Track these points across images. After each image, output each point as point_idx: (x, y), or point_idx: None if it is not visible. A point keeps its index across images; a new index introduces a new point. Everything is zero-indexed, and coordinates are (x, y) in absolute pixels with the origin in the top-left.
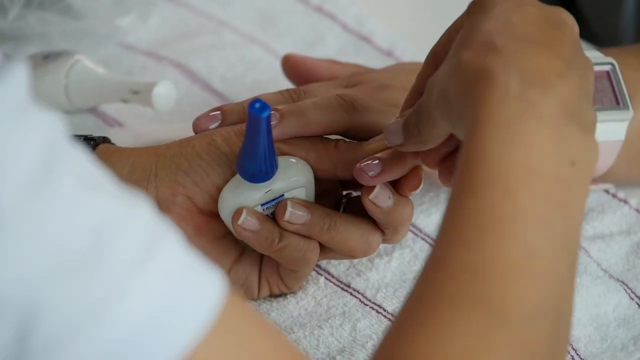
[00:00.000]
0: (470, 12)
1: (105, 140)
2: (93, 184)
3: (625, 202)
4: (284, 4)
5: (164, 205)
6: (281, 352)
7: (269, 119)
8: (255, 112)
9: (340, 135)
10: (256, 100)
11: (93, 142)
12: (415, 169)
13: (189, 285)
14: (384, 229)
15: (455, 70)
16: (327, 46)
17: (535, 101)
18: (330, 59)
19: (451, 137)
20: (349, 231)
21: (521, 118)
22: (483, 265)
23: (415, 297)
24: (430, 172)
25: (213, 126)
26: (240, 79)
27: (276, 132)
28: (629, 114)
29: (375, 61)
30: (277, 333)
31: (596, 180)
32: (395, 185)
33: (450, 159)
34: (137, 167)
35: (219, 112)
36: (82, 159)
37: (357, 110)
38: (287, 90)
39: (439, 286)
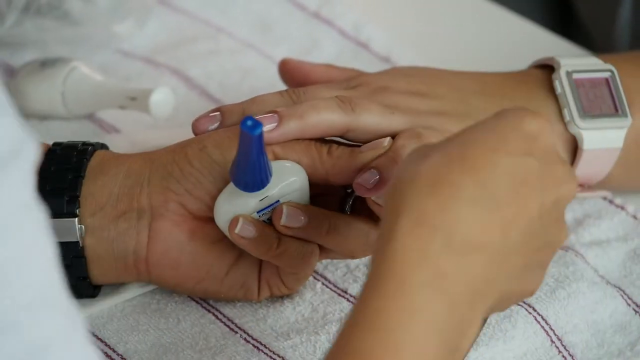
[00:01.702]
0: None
1: (102, 146)
2: None
3: (622, 208)
4: (282, 10)
5: (157, 212)
6: None
7: (261, 136)
8: (248, 130)
9: (339, 137)
10: (248, 117)
11: (91, 148)
12: None
13: None
14: None
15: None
16: (325, 52)
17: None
18: (327, 63)
19: None
20: (349, 232)
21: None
22: None
23: None
24: None
25: (212, 127)
26: (237, 86)
27: (275, 135)
28: (627, 122)
29: (372, 67)
30: None
31: (593, 188)
32: None
33: None
34: (132, 173)
35: (218, 112)
36: None
37: (356, 112)
38: (287, 90)
39: None
